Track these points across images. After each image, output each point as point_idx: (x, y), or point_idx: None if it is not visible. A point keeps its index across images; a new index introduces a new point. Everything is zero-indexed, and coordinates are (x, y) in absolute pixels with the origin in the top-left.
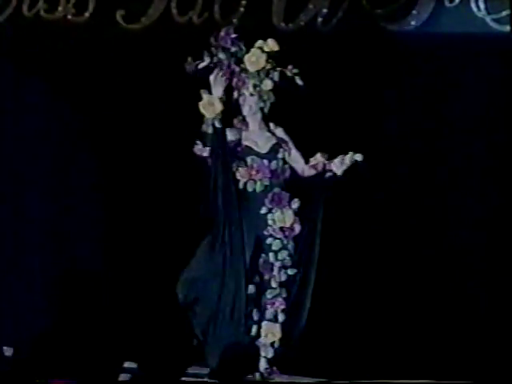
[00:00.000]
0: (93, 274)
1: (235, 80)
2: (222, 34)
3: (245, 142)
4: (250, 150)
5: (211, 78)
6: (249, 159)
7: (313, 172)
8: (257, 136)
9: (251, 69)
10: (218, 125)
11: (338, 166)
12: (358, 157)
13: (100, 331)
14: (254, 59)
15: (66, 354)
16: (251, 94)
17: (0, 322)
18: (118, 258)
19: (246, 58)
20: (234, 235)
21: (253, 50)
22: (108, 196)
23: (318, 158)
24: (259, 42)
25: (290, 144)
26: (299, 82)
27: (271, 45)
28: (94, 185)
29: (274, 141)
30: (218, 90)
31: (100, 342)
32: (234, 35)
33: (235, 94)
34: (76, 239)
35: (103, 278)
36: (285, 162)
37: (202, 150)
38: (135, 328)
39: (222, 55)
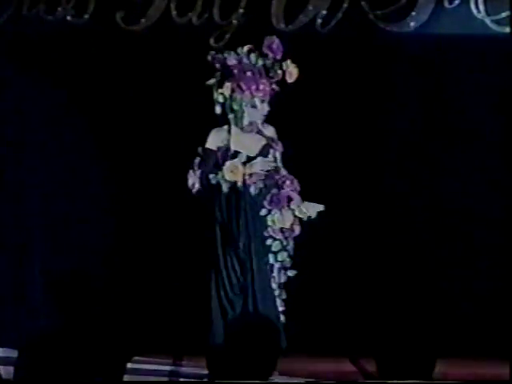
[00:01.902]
0: (96, 273)
1: (255, 86)
2: (275, 46)
3: (234, 148)
4: (240, 155)
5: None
6: None
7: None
8: (246, 138)
9: (290, 80)
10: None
11: (302, 214)
12: (320, 207)
13: (105, 330)
14: (294, 73)
15: (71, 354)
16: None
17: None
18: (122, 260)
19: (288, 71)
20: (233, 237)
21: (289, 62)
22: (112, 195)
23: (286, 189)
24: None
25: (280, 144)
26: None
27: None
28: (96, 185)
29: (264, 141)
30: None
31: (105, 341)
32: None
33: (253, 96)
34: (78, 240)
35: (107, 277)
36: (277, 162)
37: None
38: (140, 327)
39: (256, 60)
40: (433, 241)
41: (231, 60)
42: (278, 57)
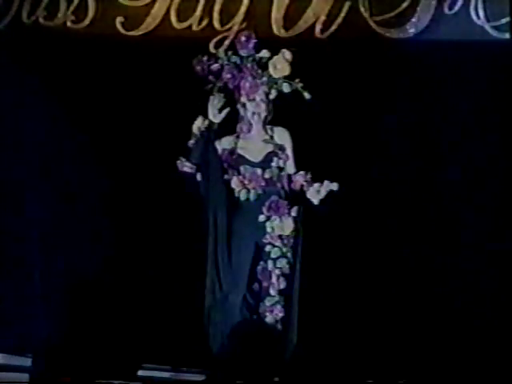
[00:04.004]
0: (102, 277)
1: (247, 85)
2: (243, 38)
3: (238, 151)
4: (242, 159)
5: (209, 103)
6: (241, 168)
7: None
8: (252, 144)
9: (275, 75)
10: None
11: (314, 194)
12: (334, 186)
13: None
14: (280, 66)
15: (84, 356)
16: (262, 100)
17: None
18: (123, 264)
19: (271, 63)
20: (231, 243)
21: (277, 56)
22: (110, 201)
23: (298, 178)
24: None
25: (289, 151)
26: (307, 95)
27: (288, 55)
28: (95, 190)
29: (269, 149)
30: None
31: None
32: (255, 40)
33: (243, 99)
34: (77, 248)
35: (105, 286)
36: (281, 170)
37: (184, 166)
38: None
39: (236, 59)
40: (430, 247)
41: (215, 66)
42: (248, 51)
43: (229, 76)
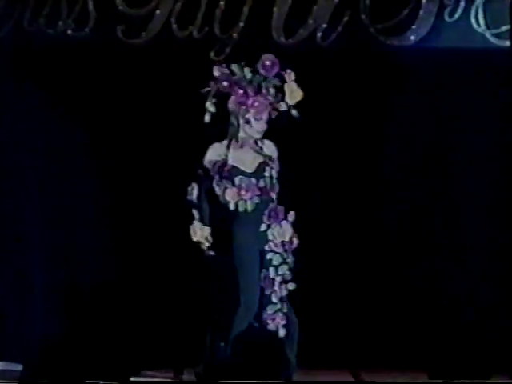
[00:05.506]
0: (97, 283)
1: (256, 104)
2: (268, 62)
3: (231, 163)
4: (236, 170)
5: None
6: (237, 179)
7: None
8: (244, 155)
9: (290, 102)
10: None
11: None
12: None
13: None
14: (296, 94)
15: (75, 365)
16: (266, 122)
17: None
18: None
19: (288, 87)
20: (235, 256)
21: (292, 84)
22: (110, 201)
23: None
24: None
25: (277, 162)
26: (295, 113)
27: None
28: (95, 192)
29: (260, 159)
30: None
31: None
32: (278, 66)
33: (248, 115)
34: (79, 253)
35: (109, 285)
36: (272, 179)
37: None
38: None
39: (251, 77)
40: (429, 250)
41: (233, 75)
42: (270, 75)
43: (241, 92)
